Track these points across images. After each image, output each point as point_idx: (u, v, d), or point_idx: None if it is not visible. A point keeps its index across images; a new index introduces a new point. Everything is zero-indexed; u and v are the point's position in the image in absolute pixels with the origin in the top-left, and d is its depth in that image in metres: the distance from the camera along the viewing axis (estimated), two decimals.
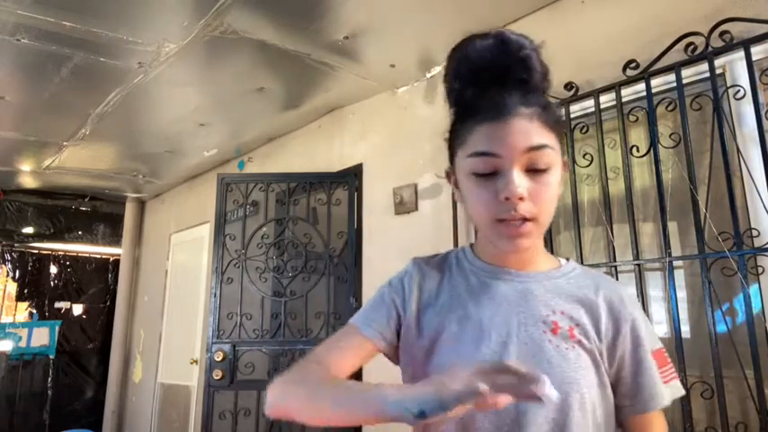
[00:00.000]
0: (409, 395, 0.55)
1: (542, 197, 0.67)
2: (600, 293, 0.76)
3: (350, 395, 0.64)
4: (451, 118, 0.77)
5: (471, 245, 0.83)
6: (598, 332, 0.73)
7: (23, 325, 4.81)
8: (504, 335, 0.70)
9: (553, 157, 0.68)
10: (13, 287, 4.88)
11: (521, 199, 0.65)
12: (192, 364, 4.12)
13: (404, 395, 0.56)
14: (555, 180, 0.69)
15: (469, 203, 0.72)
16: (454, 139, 0.75)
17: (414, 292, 0.79)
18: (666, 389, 0.73)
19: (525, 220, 0.67)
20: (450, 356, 0.71)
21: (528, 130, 0.66)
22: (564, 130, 0.75)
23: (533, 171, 0.67)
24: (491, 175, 0.68)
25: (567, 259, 0.82)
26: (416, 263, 0.83)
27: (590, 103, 1.95)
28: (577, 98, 1.97)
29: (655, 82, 1.80)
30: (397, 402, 0.56)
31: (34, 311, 4.93)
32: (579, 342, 0.71)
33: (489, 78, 0.70)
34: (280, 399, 0.71)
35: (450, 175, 0.79)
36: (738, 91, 1.63)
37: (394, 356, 0.80)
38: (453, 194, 0.83)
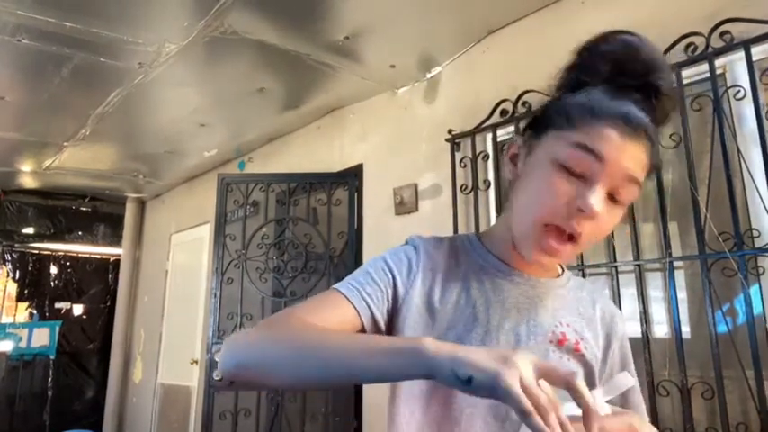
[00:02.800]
0: (463, 356, 0.47)
1: (604, 226, 0.63)
2: (597, 308, 0.76)
3: (363, 341, 0.54)
4: (559, 91, 0.70)
5: (477, 235, 0.78)
6: (597, 348, 0.73)
7: (23, 325, 4.81)
8: (513, 342, 0.68)
9: (635, 194, 0.63)
10: (13, 287, 4.88)
11: (590, 217, 0.60)
12: (192, 364, 4.12)
13: (453, 354, 0.48)
14: (620, 215, 0.65)
15: (530, 190, 0.66)
16: (557, 117, 0.65)
17: (420, 275, 0.71)
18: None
19: (572, 238, 0.62)
20: None
21: (640, 159, 0.61)
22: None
23: (613, 198, 0.62)
24: (575, 176, 0.62)
25: (562, 266, 0.80)
26: (422, 243, 0.74)
27: None
28: None
29: None
30: (445, 359, 0.48)
31: (34, 312, 4.93)
32: (582, 356, 0.70)
33: (625, 79, 0.64)
34: (246, 350, 0.59)
35: (521, 148, 0.70)
36: (738, 91, 1.63)
37: None
38: (506, 169, 0.72)
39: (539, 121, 0.68)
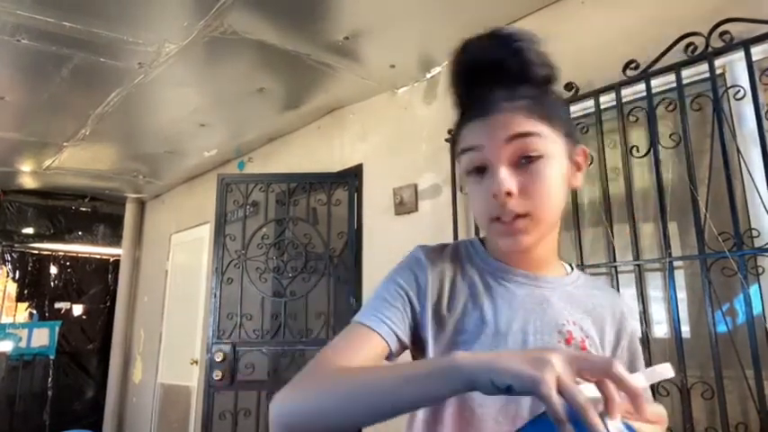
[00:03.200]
0: (499, 366, 0.47)
1: (534, 190, 0.64)
2: (605, 304, 0.76)
3: (400, 373, 0.55)
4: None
5: (481, 239, 0.79)
6: (602, 344, 0.73)
7: (23, 325, 4.81)
8: (520, 342, 0.68)
9: (544, 145, 0.65)
10: (13, 288, 4.88)
11: (509, 194, 0.63)
12: (192, 364, 4.12)
13: (489, 365, 0.48)
14: (550, 171, 0.65)
15: (471, 204, 0.71)
16: (454, 142, 0.75)
17: (429, 286, 0.71)
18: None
19: (518, 216, 0.64)
20: None
21: (510, 120, 0.65)
22: (568, 121, 0.71)
23: (523, 164, 0.65)
24: (483, 172, 0.66)
25: (571, 265, 0.80)
26: (425, 252, 0.75)
27: (590, 103, 1.95)
28: (577, 98, 1.97)
29: (655, 82, 1.80)
30: (482, 371, 0.48)
31: (34, 312, 4.93)
32: None
33: (482, 75, 0.68)
34: (292, 404, 0.61)
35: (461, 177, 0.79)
36: (738, 91, 1.63)
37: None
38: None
39: (453, 152, 0.76)
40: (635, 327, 0.77)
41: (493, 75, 0.67)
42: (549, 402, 0.44)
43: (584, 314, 0.73)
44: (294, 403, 0.61)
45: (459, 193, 2.35)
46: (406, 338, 0.70)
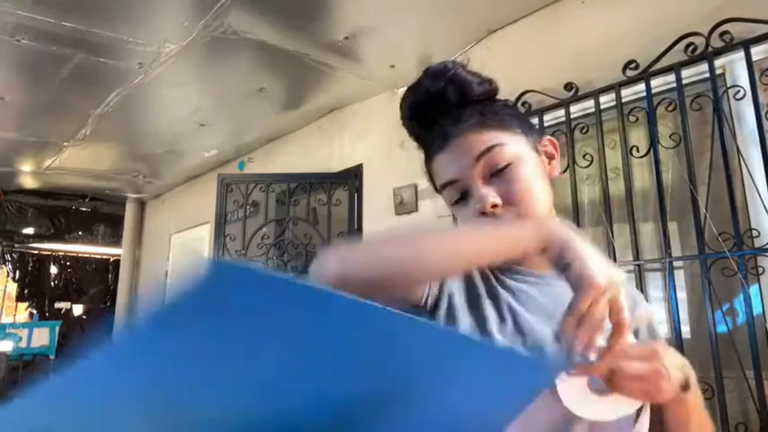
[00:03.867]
0: (575, 247, 0.51)
1: (515, 194, 0.66)
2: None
3: (481, 228, 0.60)
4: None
5: None
6: None
7: (23, 325, 4.81)
8: (538, 340, 0.65)
9: (509, 152, 0.67)
10: (13, 287, 4.89)
11: (495, 207, 0.65)
12: None
13: (568, 239, 0.52)
14: (523, 171, 0.67)
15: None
16: (430, 178, 0.77)
17: (446, 288, 0.69)
18: None
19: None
20: None
21: (469, 141, 0.68)
22: (519, 118, 0.73)
23: (495, 174, 0.67)
24: (464, 199, 0.69)
25: None
26: None
27: (590, 103, 1.95)
28: (577, 98, 1.97)
29: (655, 82, 1.80)
30: (560, 238, 0.52)
31: (34, 312, 4.93)
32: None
33: (429, 111, 0.72)
34: (351, 257, 0.56)
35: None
36: (738, 91, 1.63)
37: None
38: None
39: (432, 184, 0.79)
40: (652, 316, 0.75)
41: (438, 108, 0.71)
42: (583, 294, 0.48)
43: None
44: (357, 255, 0.57)
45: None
46: (430, 301, 0.67)
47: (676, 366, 0.54)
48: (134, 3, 2.05)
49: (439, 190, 0.74)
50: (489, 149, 0.66)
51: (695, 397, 0.60)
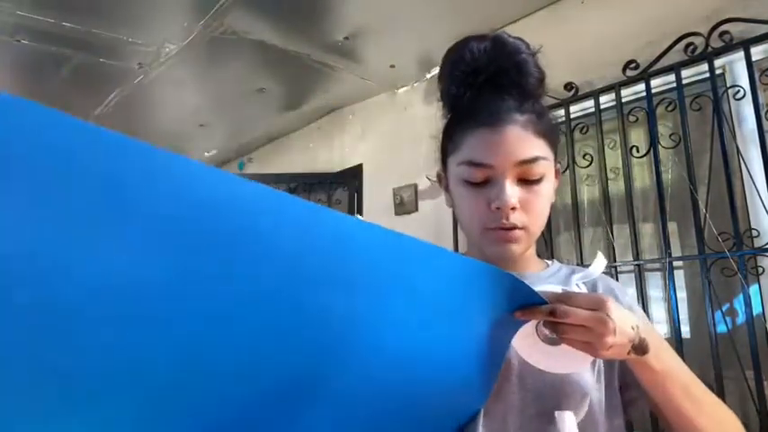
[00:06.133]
0: None
1: (534, 207, 0.66)
2: (596, 289, 0.76)
3: None
4: (444, 120, 0.75)
5: (462, 253, 0.81)
6: None
7: None
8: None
9: (546, 167, 0.67)
10: None
11: (512, 209, 0.65)
12: None
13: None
14: (547, 190, 0.68)
15: (460, 210, 0.71)
16: (447, 143, 0.73)
17: None
18: None
19: (515, 228, 0.66)
20: None
21: (522, 139, 0.65)
22: (558, 137, 0.73)
23: (526, 181, 0.66)
24: (483, 183, 0.67)
25: (552, 260, 0.81)
26: None
27: (590, 103, 1.95)
28: (577, 98, 1.97)
29: (654, 82, 1.80)
30: None
31: None
32: None
33: (484, 82, 0.68)
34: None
35: (442, 178, 0.77)
36: (738, 91, 1.63)
37: None
38: (445, 198, 0.77)
39: (441, 150, 0.75)
40: (633, 304, 0.76)
41: (496, 83, 0.67)
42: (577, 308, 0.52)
43: None
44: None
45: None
46: None
47: (628, 323, 0.53)
48: (134, 3, 2.05)
49: (454, 159, 0.69)
50: (535, 160, 0.65)
51: (668, 366, 0.59)
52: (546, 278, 0.75)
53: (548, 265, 0.79)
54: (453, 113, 0.73)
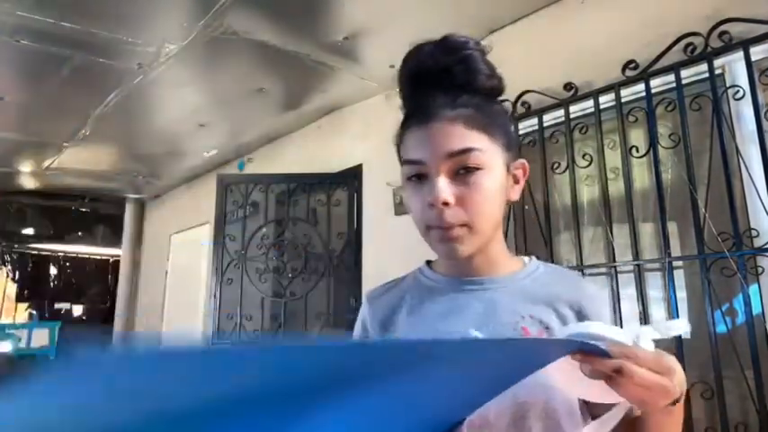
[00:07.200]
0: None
1: (472, 202, 0.65)
2: (566, 292, 0.73)
3: None
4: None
5: (428, 261, 0.80)
6: (566, 332, 0.71)
7: (23, 326, 4.81)
8: None
9: (483, 160, 0.65)
10: (12, 288, 4.88)
11: (446, 204, 0.64)
12: None
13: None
14: (488, 182, 0.66)
15: (409, 209, 0.71)
16: (399, 146, 0.73)
17: (370, 325, 0.77)
18: None
19: (455, 226, 0.65)
20: None
21: (449, 133, 0.65)
22: (509, 131, 0.72)
23: (461, 174, 0.65)
24: (422, 181, 0.67)
25: (531, 257, 0.79)
26: (368, 295, 0.80)
27: (589, 103, 1.95)
28: (577, 98, 1.97)
29: (654, 82, 1.80)
30: None
31: (34, 312, 4.93)
32: None
33: (427, 80, 0.68)
34: None
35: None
36: (738, 91, 1.64)
37: None
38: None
39: (397, 154, 0.75)
40: (604, 311, 0.74)
41: (438, 81, 0.68)
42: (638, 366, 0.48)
43: (544, 305, 0.71)
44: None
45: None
46: None
47: (680, 383, 0.52)
48: (134, 3, 2.05)
49: (401, 160, 0.71)
50: (466, 151, 0.65)
51: (679, 407, 0.58)
52: (522, 279, 0.74)
53: (525, 264, 0.77)
54: (404, 116, 0.73)
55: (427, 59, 0.69)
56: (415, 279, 0.79)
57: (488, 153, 0.66)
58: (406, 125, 0.70)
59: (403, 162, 0.70)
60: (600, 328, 0.52)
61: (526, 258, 0.78)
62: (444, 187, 0.64)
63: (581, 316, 0.71)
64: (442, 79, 0.68)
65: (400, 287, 0.79)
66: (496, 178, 0.67)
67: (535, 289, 0.73)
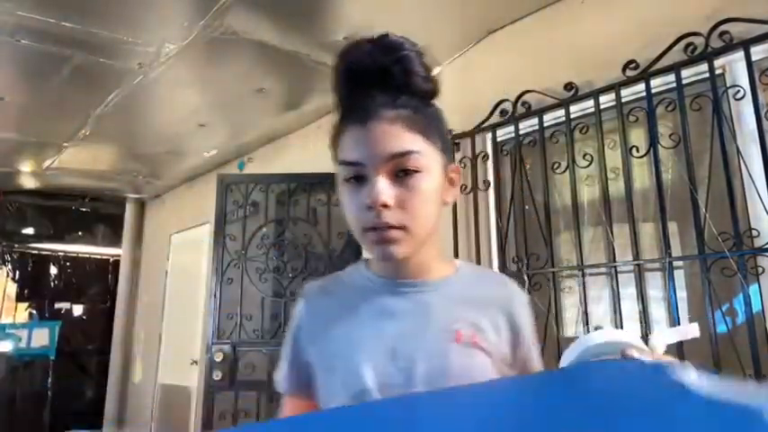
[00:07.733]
0: None
1: (411, 204, 0.65)
2: (496, 295, 0.76)
3: None
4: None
5: (366, 260, 0.80)
6: (498, 334, 0.72)
7: (23, 326, 4.81)
8: (412, 350, 0.68)
9: (422, 163, 0.66)
10: (13, 288, 4.88)
11: (384, 206, 0.64)
12: (192, 365, 4.12)
13: None
14: (427, 185, 0.66)
15: (345, 212, 0.70)
16: (334, 146, 0.73)
17: (306, 323, 0.76)
18: None
19: (392, 227, 0.65)
20: (356, 377, 0.67)
21: (389, 134, 0.65)
22: (444, 134, 0.72)
23: (400, 176, 0.65)
24: (359, 183, 0.66)
25: (461, 262, 0.80)
26: (305, 292, 0.80)
27: (590, 103, 1.95)
28: (577, 98, 1.97)
29: (654, 82, 1.80)
30: None
31: (34, 312, 4.93)
32: (482, 348, 0.70)
33: (365, 79, 0.68)
34: None
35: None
36: (738, 91, 1.63)
37: None
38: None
39: (332, 154, 0.75)
40: (527, 312, 0.76)
41: (375, 80, 0.67)
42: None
43: (475, 309, 0.73)
44: None
45: (459, 194, 2.34)
46: (311, 384, 0.74)
47: None
48: (134, 3, 2.05)
49: (337, 161, 0.70)
50: (407, 153, 0.65)
51: None
52: (455, 282, 0.75)
53: (457, 268, 0.78)
54: (340, 115, 0.72)
55: (365, 58, 0.68)
56: (352, 277, 0.79)
57: (427, 156, 0.66)
58: (342, 124, 0.69)
59: (340, 163, 0.68)
60: (631, 337, 0.57)
61: (458, 262, 0.80)
62: (384, 189, 0.64)
63: (512, 320, 0.74)
64: (380, 79, 0.67)
65: (337, 283, 0.79)
66: (434, 181, 0.68)
67: (467, 292, 0.74)
